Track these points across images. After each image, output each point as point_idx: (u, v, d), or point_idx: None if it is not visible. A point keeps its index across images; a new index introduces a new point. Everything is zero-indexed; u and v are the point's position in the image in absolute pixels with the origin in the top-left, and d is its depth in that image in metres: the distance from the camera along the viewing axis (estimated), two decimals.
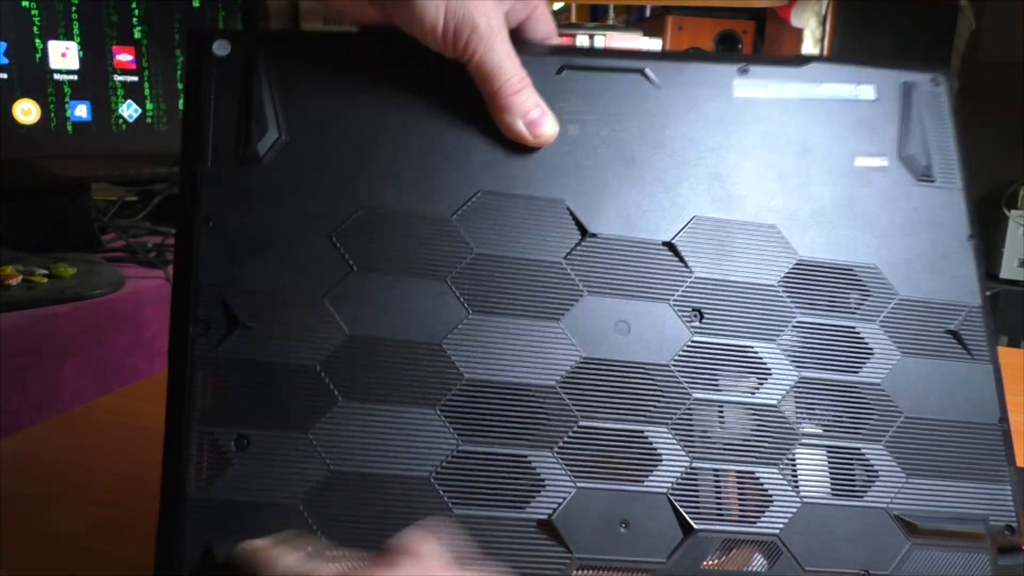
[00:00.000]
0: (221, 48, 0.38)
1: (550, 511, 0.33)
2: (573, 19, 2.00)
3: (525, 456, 0.34)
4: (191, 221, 0.35)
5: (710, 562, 0.34)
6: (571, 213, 0.37)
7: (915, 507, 0.36)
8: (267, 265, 0.35)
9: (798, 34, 1.71)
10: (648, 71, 0.39)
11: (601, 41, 1.87)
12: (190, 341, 0.34)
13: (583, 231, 0.37)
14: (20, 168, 1.07)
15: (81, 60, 1.15)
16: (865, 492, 0.36)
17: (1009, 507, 0.37)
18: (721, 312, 0.37)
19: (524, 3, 0.41)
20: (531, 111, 0.39)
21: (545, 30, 0.42)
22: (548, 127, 0.39)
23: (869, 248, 0.39)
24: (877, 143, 0.41)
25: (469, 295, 0.35)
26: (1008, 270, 1.84)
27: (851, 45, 1.69)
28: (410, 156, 0.37)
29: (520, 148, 0.38)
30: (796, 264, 0.38)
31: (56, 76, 1.13)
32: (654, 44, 1.85)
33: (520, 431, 0.34)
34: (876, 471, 0.36)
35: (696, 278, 0.37)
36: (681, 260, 0.37)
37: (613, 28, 1.87)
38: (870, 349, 0.38)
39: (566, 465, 0.34)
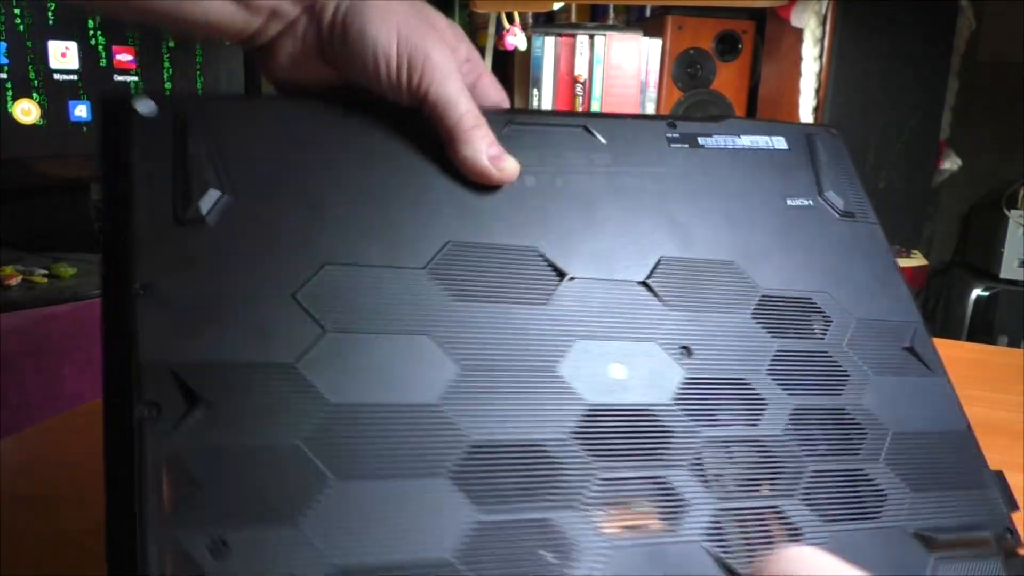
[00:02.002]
0: (145, 107, 0.35)
1: None
2: (573, 19, 1.99)
3: (549, 520, 0.30)
4: (122, 292, 0.31)
5: None
6: (545, 259, 0.36)
7: (926, 521, 0.36)
8: (224, 333, 0.30)
9: (798, 34, 1.70)
10: (590, 126, 0.42)
11: (601, 41, 1.87)
12: (137, 428, 0.28)
13: (560, 274, 0.36)
14: (20, 168, 1.07)
15: (81, 60, 1.15)
16: (879, 512, 0.36)
17: (1000, 510, 0.38)
18: (707, 348, 0.37)
19: (470, 65, 0.41)
20: (492, 145, 0.38)
21: (496, 97, 0.42)
22: (510, 162, 0.38)
23: (817, 278, 0.42)
24: (799, 186, 0.45)
25: (455, 349, 0.33)
26: (1008, 270, 1.84)
27: (851, 45, 1.69)
28: (370, 209, 0.35)
29: (483, 194, 0.37)
30: (761, 297, 0.40)
31: (56, 76, 1.13)
32: (654, 44, 1.85)
33: (539, 491, 0.31)
34: (883, 490, 0.36)
35: (677, 316, 0.37)
36: (659, 298, 0.37)
37: (613, 28, 1.87)
38: (845, 371, 0.39)
39: (593, 524, 0.31)
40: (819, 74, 1.71)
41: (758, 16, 1.88)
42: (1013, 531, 0.38)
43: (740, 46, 1.89)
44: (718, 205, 0.42)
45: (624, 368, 0.35)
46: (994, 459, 0.51)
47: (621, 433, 0.33)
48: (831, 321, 0.40)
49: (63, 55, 1.13)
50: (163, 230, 0.32)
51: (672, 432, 0.34)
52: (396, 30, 0.37)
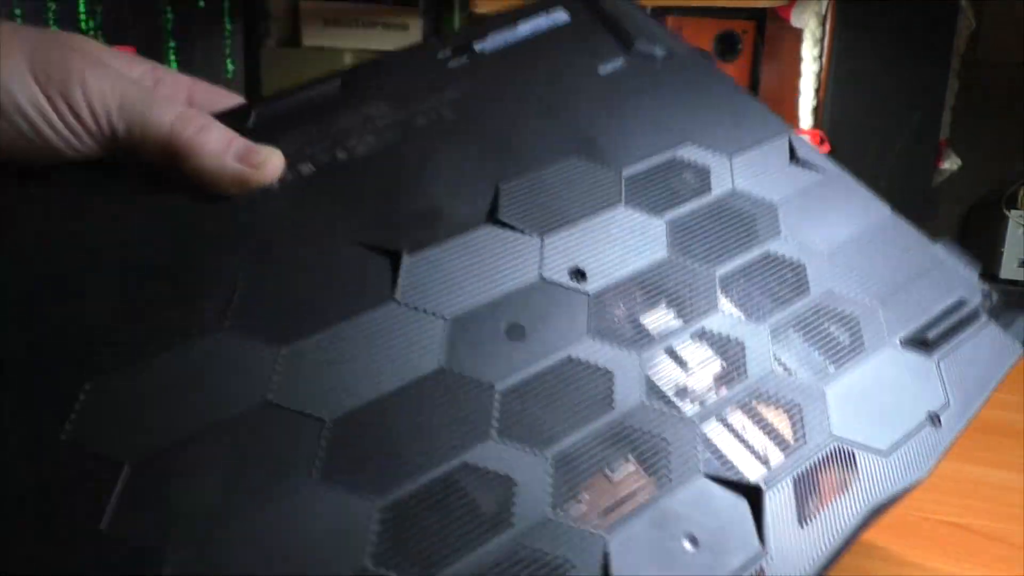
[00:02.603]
0: None
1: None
2: None
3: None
4: None
5: (812, 509, 0.28)
6: (366, 246, 0.31)
7: (909, 325, 0.34)
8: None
9: (798, 34, 1.71)
10: (347, 80, 0.36)
11: None
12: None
13: (393, 255, 0.31)
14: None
15: None
16: (860, 341, 0.33)
17: (968, 276, 0.37)
18: (599, 259, 0.32)
19: (167, 81, 0.32)
20: (232, 141, 0.30)
21: (226, 101, 0.34)
22: (267, 151, 0.31)
23: (670, 134, 0.38)
24: (603, 50, 0.40)
25: (305, 403, 0.27)
26: (1008, 270, 1.84)
27: (851, 45, 1.70)
28: (129, 284, 0.28)
29: (259, 212, 0.30)
30: (625, 180, 0.35)
31: None
32: None
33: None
34: (852, 315, 0.34)
35: (548, 241, 0.32)
36: (519, 231, 0.33)
37: None
38: (749, 213, 0.36)
39: (577, 514, 0.27)
40: (819, 74, 1.71)
41: (758, 16, 1.88)
42: (987, 291, 0.37)
43: (739, 46, 1.89)
44: (529, 107, 0.38)
45: (520, 325, 0.30)
46: (994, 459, 0.51)
47: (551, 401, 0.29)
48: (707, 171, 0.37)
49: None
50: None
51: (605, 370, 0.30)
52: (28, 65, 0.28)
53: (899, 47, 1.83)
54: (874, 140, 1.93)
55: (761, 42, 2.13)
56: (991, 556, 0.44)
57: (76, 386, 0.25)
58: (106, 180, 0.30)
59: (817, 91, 1.88)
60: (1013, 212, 1.97)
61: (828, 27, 1.83)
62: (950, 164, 1.98)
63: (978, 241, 2.05)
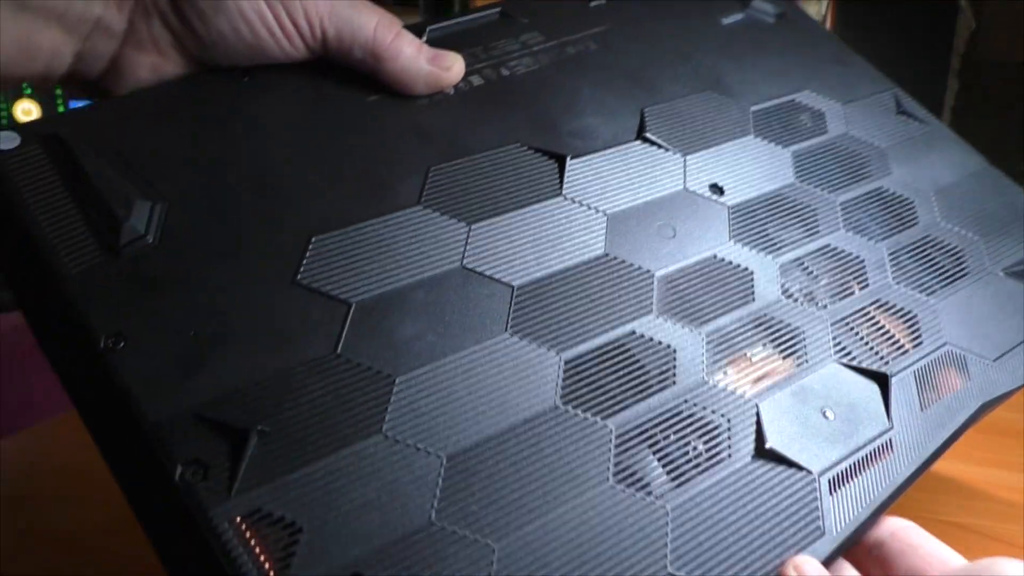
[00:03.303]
0: (6, 141, 0.29)
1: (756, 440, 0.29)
2: None
3: (676, 406, 0.29)
4: (85, 357, 0.25)
5: (931, 398, 0.32)
6: (535, 150, 0.34)
7: (1008, 260, 0.38)
8: (234, 353, 0.26)
9: None
10: (507, 11, 0.41)
11: None
12: (187, 500, 0.23)
13: (558, 158, 0.34)
14: None
15: None
16: (964, 268, 0.37)
17: None
18: (734, 178, 0.36)
19: None
20: (423, 47, 0.34)
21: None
22: (452, 57, 0.35)
23: (788, 81, 0.42)
24: (723, 3, 0.45)
25: (497, 270, 0.30)
26: None
27: (851, 45, 1.69)
28: (324, 169, 0.32)
29: (434, 111, 0.34)
30: (753, 114, 0.39)
31: None
32: None
33: (652, 383, 0.29)
34: (958, 247, 0.38)
35: (690, 159, 0.36)
36: (664, 148, 0.37)
37: None
38: (862, 155, 0.40)
39: (723, 388, 0.30)
40: None
41: None
42: None
43: None
44: (663, 46, 0.42)
45: (670, 227, 0.34)
46: (994, 459, 0.51)
47: (701, 290, 0.32)
48: (823, 115, 0.41)
49: None
50: (99, 269, 0.27)
51: (746, 269, 0.33)
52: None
53: (899, 47, 1.82)
54: None
55: None
56: (991, 556, 0.44)
57: (305, 238, 0.29)
58: (314, 80, 0.34)
59: None
60: None
61: (828, 27, 1.83)
62: None
63: None
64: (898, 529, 0.29)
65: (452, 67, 0.35)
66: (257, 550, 0.22)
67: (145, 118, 0.32)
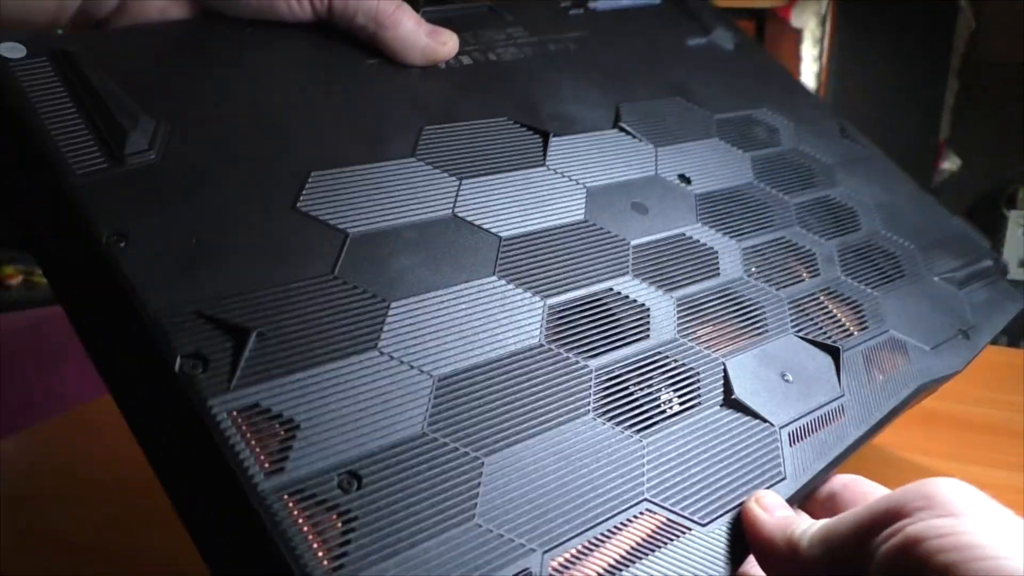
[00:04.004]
0: (11, 50, 0.29)
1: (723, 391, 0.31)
2: None
3: (649, 353, 0.30)
4: (88, 249, 0.25)
5: (876, 375, 0.34)
6: (522, 125, 0.36)
7: (939, 268, 0.42)
8: (236, 261, 0.26)
9: (798, 34, 1.71)
10: (494, 7, 0.43)
11: None
12: (186, 391, 0.23)
13: (543, 134, 0.36)
14: None
15: None
16: (903, 271, 0.40)
17: (983, 243, 0.46)
18: (699, 172, 0.40)
19: None
20: (422, 22, 0.35)
21: None
22: (448, 34, 0.36)
23: (745, 99, 0.46)
24: (688, 30, 0.49)
25: (486, 220, 0.32)
26: (1008, 270, 1.84)
27: (851, 45, 1.70)
28: (326, 116, 0.33)
29: (429, 82, 0.36)
30: (717, 121, 0.43)
31: None
32: None
33: (624, 336, 0.30)
34: (895, 254, 0.41)
35: (661, 150, 0.39)
36: (638, 138, 0.39)
37: None
38: (810, 168, 0.43)
39: (692, 348, 0.31)
40: (818, 74, 1.71)
41: (758, 16, 1.88)
42: (996, 258, 0.45)
43: None
44: (636, 55, 0.45)
45: (643, 205, 0.36)
46: (994, 459, 0.51)
47: (672, 260, 0.34)
48: (777, 130, 0.45)
49: None
50: (104, 177, 0.27)
51: (711, 248, 0.36)
52: None
53: (899, 47, 1.82)
54: (873, 140, 1.93)
55: (761, 42, 2.13)
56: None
57: (305, 172, 0.30)
58: (315, 40, 0.36)
59: (817, 91, 1.88)
60: (1013, 212, 1.97)
61: (828, 27, 1.83)
62: (950, 164, 1.98)
63: None
64: (849, 481, 0.30)
65: (448, 43, 0.36)
66: (254, 442, 0.22)
67: (153, 48, 0.33)
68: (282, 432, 0.23)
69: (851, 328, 0.36)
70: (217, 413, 0.22)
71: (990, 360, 0.65)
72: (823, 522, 0.25)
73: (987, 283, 0.43)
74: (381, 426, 0.24)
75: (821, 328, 0.35)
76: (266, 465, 0.22)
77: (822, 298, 0.36)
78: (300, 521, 0.21)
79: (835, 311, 0.36)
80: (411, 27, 0.35)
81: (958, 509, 0.22)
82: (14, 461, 0.52)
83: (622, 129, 0.39)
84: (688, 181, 0.38)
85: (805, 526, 0.26)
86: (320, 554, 0.21)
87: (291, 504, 0.21)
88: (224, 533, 0.22)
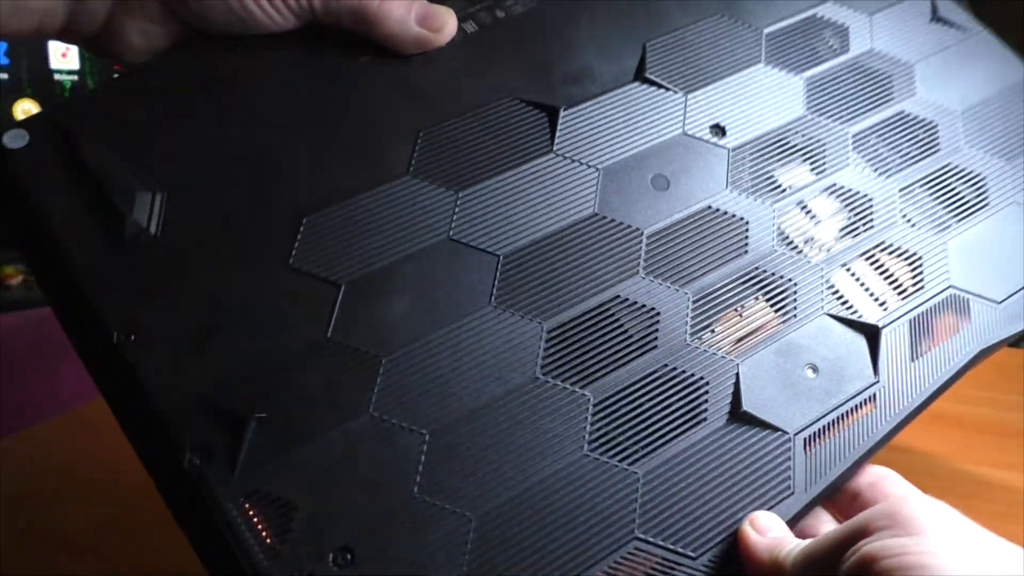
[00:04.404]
0: (16, 140, 0.29)
1: (730, 402, 0.29)
2: None
3: (665, 362, 0.29)
4: (99, 346, 0.27)
5: (925, 347, 0.31)
6: (527, 103, 0.33)
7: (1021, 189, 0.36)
8: (235, 340, 0.27)
9: None
10: None
11: None
12: (196, 483, 0.25)
13: (551, 111, 0.33)
14: None
15: (81, 60, 1.14)
16: (984, 199, 0.35)
17: None
18: (737, 116, 0.35)
19: None
20: (411, 8, 0.34)
21: None
22: (444, 15, 0.34)
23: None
24: None
25: (485, 239, 0.30)
26: None
27: None
28: (317, 140, 0.32)
29: (427, 67, 0.34)
30: (766, 36, 0.37)
31: (56, 76, 1.13)
32: None
33: (640, 342, 0.29)
34: (979, 175, 0.36)
35: (691, 97, 0.35)
36: (664, 87, 0.35)
37: None
38: (885, 73, 0.37)
39: (709, 348, 0.30)
40: None
41: None
42: None
43: None
44: None
45: (664, 178, 0.33)
46: (994, 459, 0.51)
47: (691, 245, 0.31)
48: (846, 28, 0.38)
49: (63, 55, 1.13)
50: (107, 261, 0.28)
51: (741, 219, 0.32)
52: None
53: None
54: None
55: None
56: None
57: (298, 219, 0.29)
58: (306, 45, 0.34)
59: None
60: None
61: None
62: None
63: None
64: (876, 480, 0.30)
65: (443, 28, 0.34)
66: (259, 527, 0.24)
67: (143, 99, 0.32)
68: (283, 514, 0.25)
69: (906, 286, 0.32)
70: (223, 503, 0.24)
71: (991, 360, 0.65)
72: (807, 542, 0.26)
73: None
74: (374, 495, 0.25)
75: (869, 292, 0.32)
76: (268, 549, 0.24)
77: (876, 254, 0.32)
78: None
79: (889, 268, 0.32)
80: (399, 19, 0.33)
81: (920, 528, 0.23)
82: (14, 461, 0.52)
83: (646, 80, 0.34)
84: (723, 132, 0.34)
85: (791, 546, 0.26)
86: None
87: None
88: None
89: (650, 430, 0.28)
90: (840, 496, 0.30)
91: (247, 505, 0.25)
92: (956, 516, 0.24)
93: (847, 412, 0.30)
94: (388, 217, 0.30)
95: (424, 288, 0.29)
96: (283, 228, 0.29)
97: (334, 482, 0.25)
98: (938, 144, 0.36)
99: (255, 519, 0.24)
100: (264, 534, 0.24)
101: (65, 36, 0.34)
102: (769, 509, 0.28)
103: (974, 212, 0.35)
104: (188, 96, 0.32)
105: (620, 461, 0.27)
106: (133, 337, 0.27)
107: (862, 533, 0.23)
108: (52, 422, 0.58)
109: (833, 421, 0.29)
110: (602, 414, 0.28)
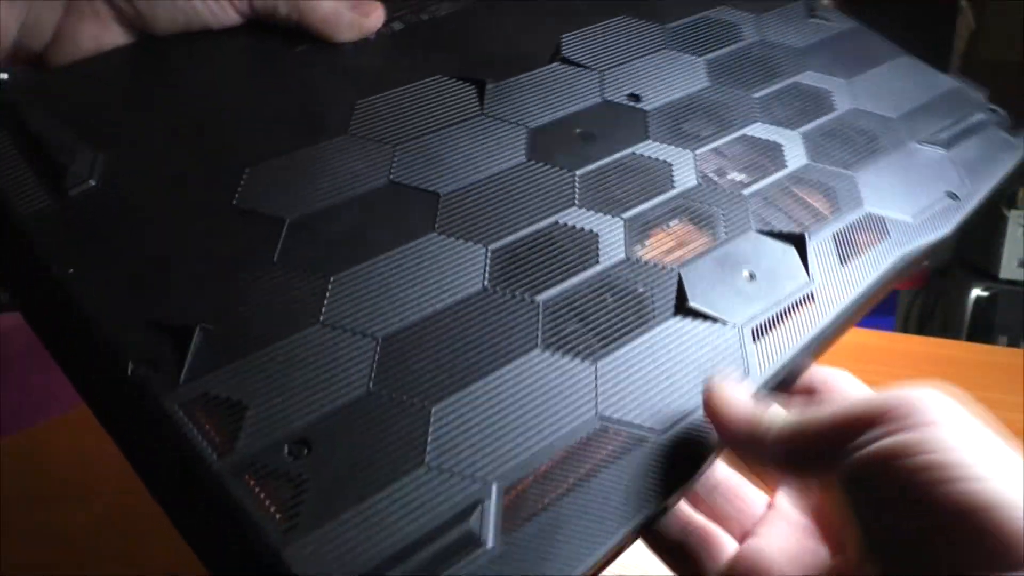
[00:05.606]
0: None
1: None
2: None
3: (605, 276, 0.30)
4: (39, 283, 0.27)
5: (851, 254, 0.33)
6: (455, 78, 0.36)
7: (924, 132, 0.40)
8: (183, 271, 0.28)
9: None
10: None
11: None
12: (141, 393, 0.24)
13: (479, 83, 0.36)
14: None
15: None
16: (879, 141, 0.39)
17: (975, 95, 0.44)
18: (650, 88, 0.38)
19: None
20: None
21: None
22: (373, 3, 0.37)
23: None
24: None
25: (425, 182, 0.32)
26: (1008, 270, 1.84)
27: None
28: (259, 108, 0.34)
29: (359, 55, 0.37)
30: (667, 30, 0.41)
31: None
32: None
33: (578, 263, 0.30)
34: (871, 129, 0.39)
35: (606, 74, 0.38)
36: (581, 66, 0.38)
37: None
38: (777, 56, 0.42)
39: (646, 260, 0.31)
40: None
41: None
42: (993, 107, 0.43)
43: None
44: None
45: (590, 132, 0.35)
46: None
47: (621, 182, 0.33)
48: (735, 25, 0.43)
49: None
50: (49, 212, 0.29)
51: (665, 162, 0.35)
52: None
53: (899, 47, 1.82)
54: None
55: None
56: None
57: (240, 170, 0.31)
58: (248, 39, 0.37)
59: None
60: (1013, 212, 1.96)
61: None
62: None
63: (978, 241, 2.05)
64: (829, 376, 0.30)
65: (372, 13, 0.37)
66: (208, 427, 0.24)
67: (89, 80, 0.34)
68: (233, 415, 0.24)
69: (824, 212, 0.35)
70: (169, 409, 0.24)
71: (991, 360, 0.65)
72: (797, 414, 0.25)
73: (980, 137, 0.41)
74: (328, 393, 0.25)
75: (791, 218, 0.34)
76: (219, 447, 0.24)
77: (791, 188, 0.35)
78: (256, 491, 0.23)
79: (805, 199, 0.35)
80: (331, 5, 0.36)
81: (940, 423, 0.22)
82: (14, 461, 0.52)
83: (564, 60, 0.38)
84: (638, 99, 0.37)
85: (774, 416, 0.25)
86: (278, 517, 0.23)
87: (247, 478, 0.23)
88: (198, 517, 0.24)
89: (601, 330, 0.29)
90: (794, 395, 0.30)
91: (194, 409, 0.24)
92: (970, 413, 0.23)
93: (788, 308, 0.31)
94: (328, 165, 0.32)
95: (367, 222, 0.30)
96: (227, 177, 0.31)
97: (286, 383, 0.25)
98: (833, 106, 0.40)
99: (204, 422, 0.24)
100: (213, 434, 0.24)
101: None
102: None
103: (874, 152, 0.38)
104: (135, 77, 0.34)
105: (574, 358, 0.28)
106: (73, 270, 0.27)
107: (875, 421, 0.22)
108: (52, 422, 0.58)
109: (776, 315, 0.31)
110: (552, 319, 0.29)
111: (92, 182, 0.30)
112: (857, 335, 0.39)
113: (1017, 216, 1.85)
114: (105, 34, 0.35)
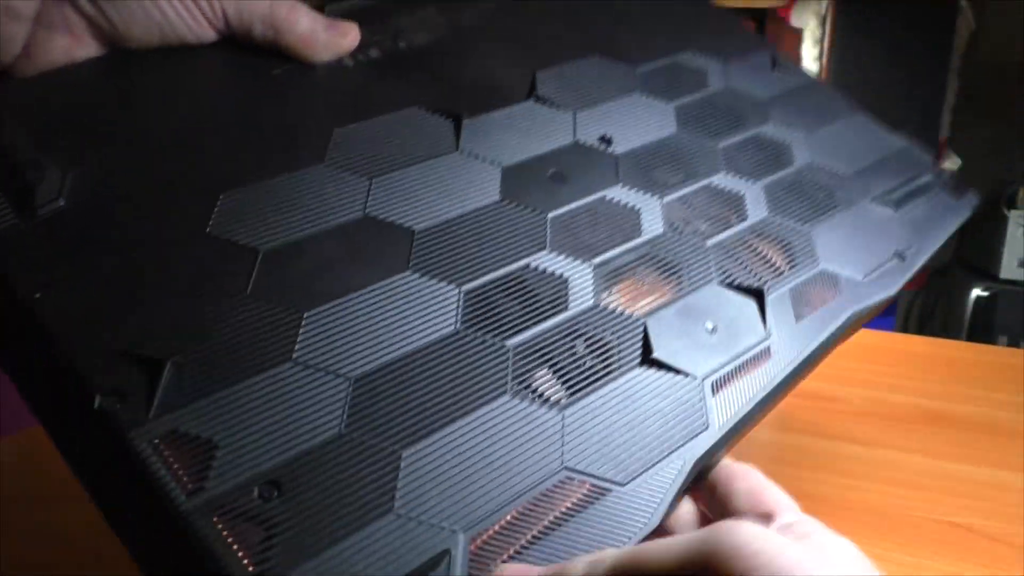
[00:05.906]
0: None
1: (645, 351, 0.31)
2: None
3: (569, 324, 0.31)
4: (10, 305, 0.26)
5: (805, 311, 0.35)
6: (433, 111, 0.36)
7: (876, 191, 0.42)
8: (154, 299, 0.27)
9: (798, 34, 1.71)
10: None
11: None
12: (107, 426, 0.24)
13: (455, 118, 0.36)
14: None
15: None
16: (835, 200, 0.40)
17: (923, 158, 0.46)
18: (622, 130, 0.39)
19: None
20: (318, 18, 0.36)
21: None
22: (347, 25, 0.37)
23: (671, 43, 0.45)
24: None
25: (400, 217, 0.32)
26: (1008, 270, 1.84)
27: (851, 45, 1.70)
28: (234, 132, 0.33)
29: (334, 80, 0.37)
30: (639, 75, 0.42)
31: None
32: None
33: (545, 309, 0.31)
34: (828, 185, 0.41)
35: (580, 115, 0.39)
36: (555, 106, 0.39)
37: None
38: (740, 107, 0.43)
39: (611, 310, 0.32)
40: (819, 74, 1.71)
41: (758, 16, 1.88)
42: (941, 170, 0.45)
43: None
44: (555, 17, 0.45)
45: (562, 174, 0.36)
46: (994, 459, 0.51)
47: (591, 227, 0.34)
48: (703, 73, 0.44)
49: None
50: (17, 232, 0.28)
51: (634, 207, 0.36)
52: None
53: (899, 47, 1.82)
54: None
55: None
56: (991, 556, 0.44)
57: (214, 195, 0.30)
58: (224, 57, 0.37)
59: None
60: (1013, 212, 1.96)
61: (828, 27, 1.83)
62: (950, 164, 1.98)
63: (978, 241, 2.05)
64: (732, 475, 0.30)
65: (348, 34, 0.37)
66: (176, 466, 0.23)
67: (61, 91, 0.33)
68: (203, 453, 0.24)
69: (782, 267, 0.36)
70: (136, 444, 0.23)
71: (990, 360, 0.65)
72: (619, 552, 0.24)
73: (927, 198, 0.43)
74: (299, 433, 0.25)
75: (751, 271, 0.35)
76: (188, 486, 0.23)
77: (751, 241, 0.36)
78: (225, 534, 0.23)
79: (765, 252, 0.36)
80: (307, 24, 0.36)
81: (760, 563, 0.22)
82: (14, 461, 0.52)
83: (538, 98, 0.39)
84: (609, 142, 0.38)
85: (597, 559, 0.24)
86: (245, 562, 0.22)
87: (216, 520, 0.23)
88: (164, 558, 0.24)
89: (569, 377, 0.29)
90: (703, 486, 0.30)
91: (163, 445, 0.23)
92: (786, 543, 0.23)
93: (748, 361, 0.32)
94: (304, 197, 0.31)
95: (341, 257, 0.30)
96: (201, 202, 0.30)
97: (257, 422, 0.25)
98: (792, 160, 0.41)
99: (172, 459, 0.23)
100: (182, 472, 0.23)
101: None
102: (687, 443, 0.29)
103: (829, 209, 0.40)
104: (108, 91, 0.34)
105: (541, 407, 0.28)
106: (41, 295, 0.26)
107: (705, 563, 0.22)
108: None
109: (736, 368, 0.32)
110: (522, 364, 0.29)
111: (61, 202, 0.29)
112: (857, 335, 0.39)
113: (1017, 216, 1.85)
114: (78, 48, 0.34)
